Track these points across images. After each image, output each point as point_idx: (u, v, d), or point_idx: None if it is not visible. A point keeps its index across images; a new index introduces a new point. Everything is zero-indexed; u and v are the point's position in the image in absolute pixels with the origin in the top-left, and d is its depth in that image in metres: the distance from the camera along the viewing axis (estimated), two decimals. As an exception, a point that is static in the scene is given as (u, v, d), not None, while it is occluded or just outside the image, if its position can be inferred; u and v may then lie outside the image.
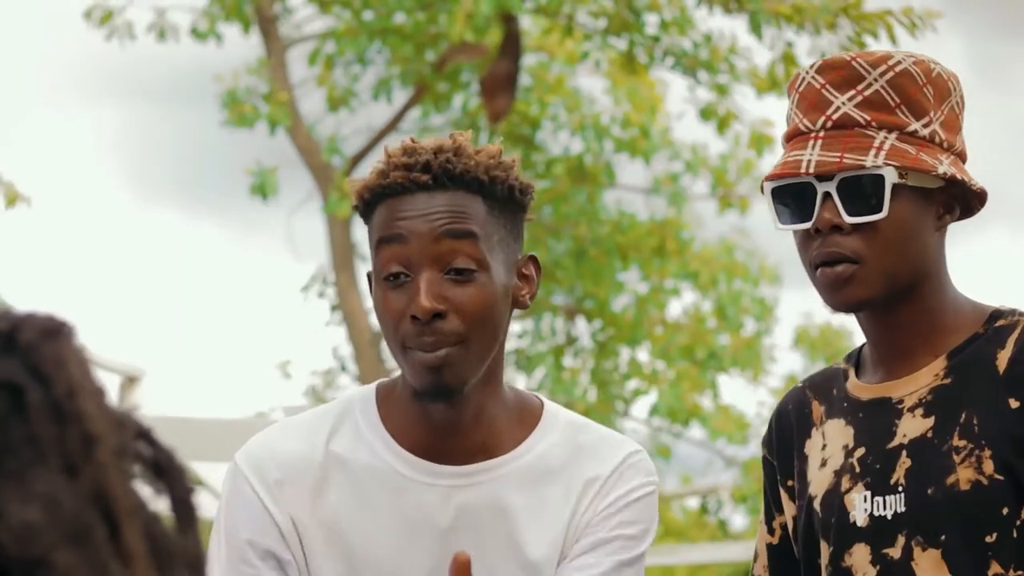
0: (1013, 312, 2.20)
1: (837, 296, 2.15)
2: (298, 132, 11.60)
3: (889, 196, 2.10)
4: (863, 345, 2.28)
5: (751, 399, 28.98)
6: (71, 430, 0.99)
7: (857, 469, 2.21)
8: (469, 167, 2.10)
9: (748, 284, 14.10)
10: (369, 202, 2.12)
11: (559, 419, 2.23)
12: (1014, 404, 2.10)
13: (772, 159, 14.38)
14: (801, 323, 17.06)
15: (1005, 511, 2.08)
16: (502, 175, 2.13)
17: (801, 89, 2.17)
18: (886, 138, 2.12)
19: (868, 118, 2.13)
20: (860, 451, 2.21)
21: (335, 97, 12.25)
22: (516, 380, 14.66)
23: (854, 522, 2.19)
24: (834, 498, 2.22)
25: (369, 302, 11.96)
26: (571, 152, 13.70)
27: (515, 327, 14.68)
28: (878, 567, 2.17)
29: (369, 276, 2.17)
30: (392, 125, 12.24)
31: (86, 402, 1.00)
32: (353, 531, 2.14)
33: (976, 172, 2.22)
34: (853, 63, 2.15)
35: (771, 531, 2.37)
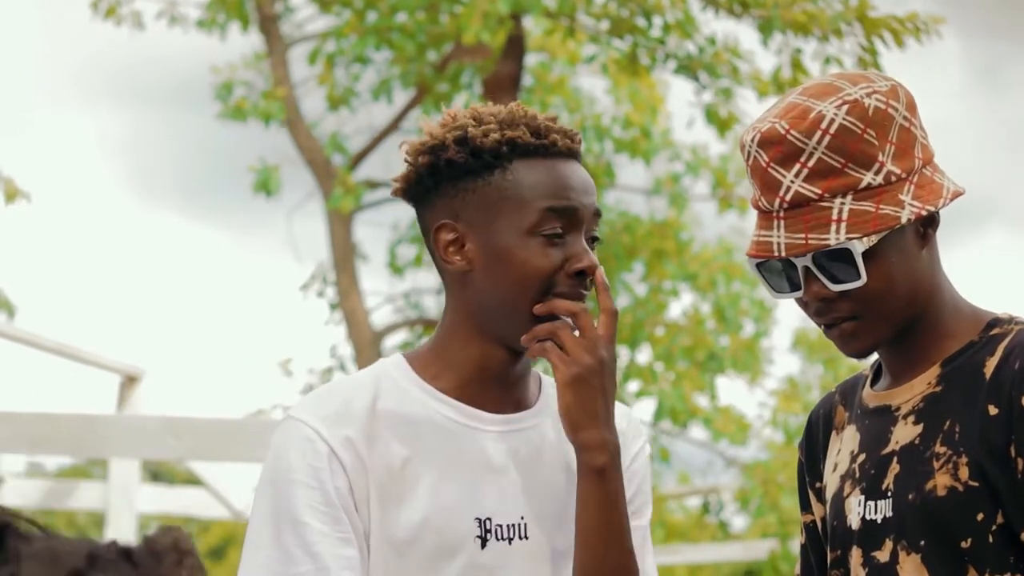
0: (1011, 320, 2.22)
1: (848, 350, 2.22)
2: (299, 131, 11.61)
3: (862, 263, 2.13)
4: None
5: (749, 401, 29.02)
6: None
7: (857, 474, 2.25)
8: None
9: (747, 286, 14.11)
10: (507, 155, 2.23)
11: (548, 380, 2.38)
12: (993, 411, 2.11)
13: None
14: (799, 325, 17.06)
15: (980, 517, 2.10)
16: None
17: (750, 163, 2.19)
18: (843, 204, 2.13)
19: (819, 191, 2.13)
20: (861, 457, 2.26)
21: (335, 96, 12.25)
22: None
23: (850, 525, 2.24)
24: (838, 502, 2.28)
25: (371, 301, 11.68)
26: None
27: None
28: (866, 570, 2.20)
29: (463, 224, 2.24)
30: (394, 125, 12.25)
31: None
32: (411, 478, 2.21)
33: (975, 174, 2.23)
34: (788, 137, 2.14)
35: (802, 531, 2.44)
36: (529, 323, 2.22)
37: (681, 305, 14.34)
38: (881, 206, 2.12)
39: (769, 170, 2.16)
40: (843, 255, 2.14)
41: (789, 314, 26.06)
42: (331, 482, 2.16)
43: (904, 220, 2.13)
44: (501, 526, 2.22)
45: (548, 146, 2.25)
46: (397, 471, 2.20)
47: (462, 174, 2.24)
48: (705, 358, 13.56)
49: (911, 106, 2.19)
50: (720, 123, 10.13)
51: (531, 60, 13.34)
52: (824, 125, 2.13)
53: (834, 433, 2.35)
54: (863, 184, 2.13)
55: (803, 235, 2.14)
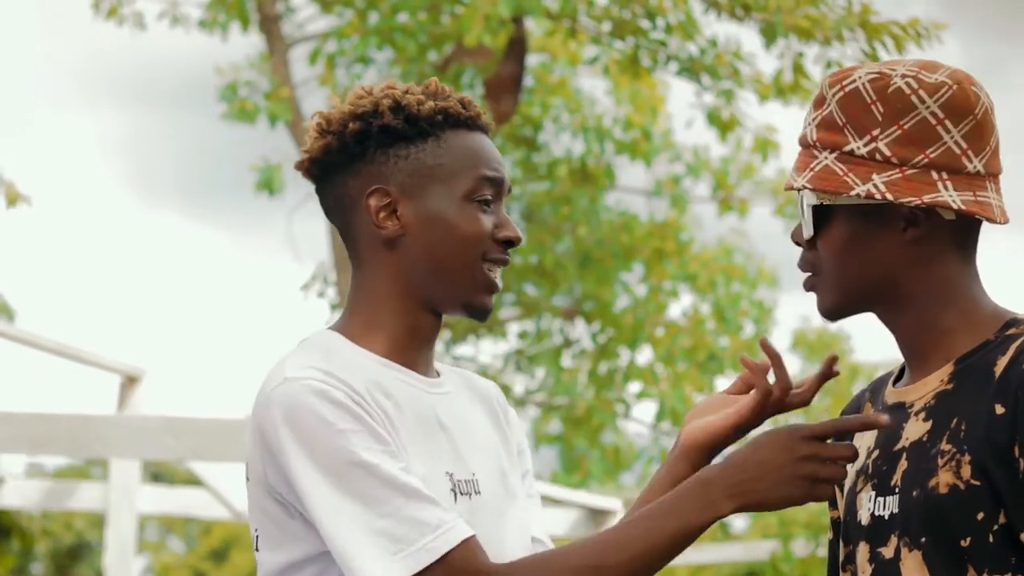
0: None
1: (817, 307, 2.30)
2: (300, 131, 11.62)
3: (810, 216, 2.23)
4: None
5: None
6: None
7: (870, 470, 2.27)
8: None
9: (746, 287, 14.12)
10: (441, 123, 2.31)
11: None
12: (1000, 410, 2.12)
13: (776, 164, 14.42)
14: (799, 326, 17.08)
15: (980, 516, 2.11)
16: None
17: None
18: (825, 159, 2.20)
19: (816, 138, 2.22)
20: (876, 452, 2.27)
21: (336, 97, 12.27)
22: (515, 381, 14.67)
23: (860, 521, 2.26)
24: (851, 497, 2.30)
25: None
26: (573, 154, 13.71)
27: (515, 327, 14.70)
28: (873, 566, 2.22)
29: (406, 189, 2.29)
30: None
31: None
32: (396, 434, 2.21)
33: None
34: (822, 85, 2.24)
35: (830, 527, 2.45)
36: (462, 286, 2.28)
37: (681, 306, 14.36)
38: (849, 174, 2.18)
39: (809, 108, 2.27)
40: (804, 206, 2.23)
41: (789, 315, 26.09)
42: (368, 418, 2.15)
43: (854, 193, 2.17)
44: (461, 481, 2.25)
45: (475, 118, 2.33)
46: (388, 427, 2.20)
47: (395, 140, 2.29)
48: (705, 359, 13.57)
49: (954, 110, 2.19)
50: (722, 125, 10.14)
51: (532, 61, 13.35)
52: (845, 83, 2.21)
53: None
54: (847, 148, 2.19)
55: (793, 172, 2.23)
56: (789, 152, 12.98)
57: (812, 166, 2.20)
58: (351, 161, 2.30)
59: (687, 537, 2.14)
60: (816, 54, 8.56)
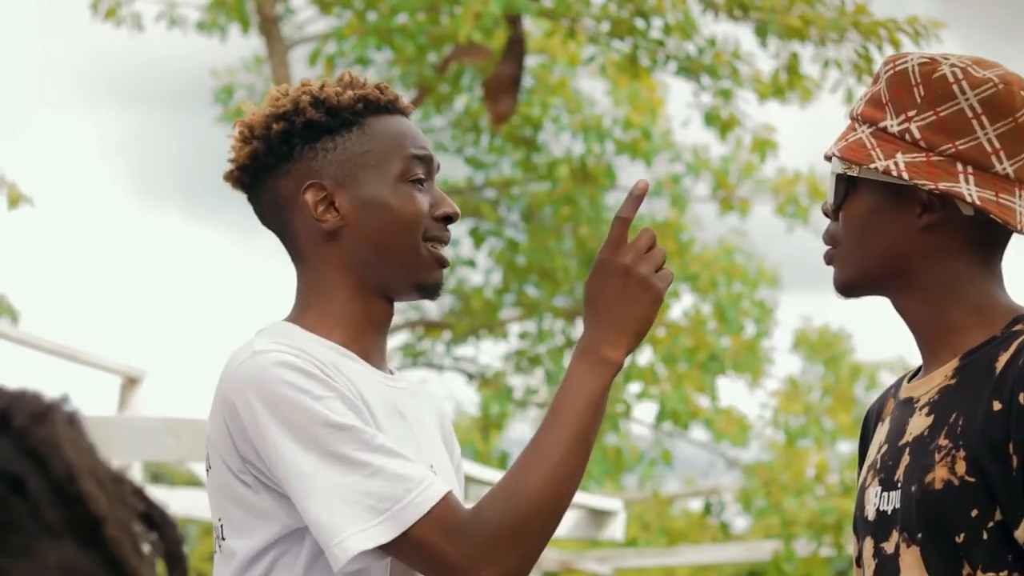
0: None
1: (833, 280, 2.31)
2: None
3: (834, 184, 2.25)
4: None
5: (750, 402, 28.95)
6: (77, 511, 1.02)
7: (878, 465, 2.27)
8: None
9: (747, 287, 14.11)
10: (362, 111, 2.32)
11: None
12: (997, 406, 2.11)
13: (775, 163, 14.42)
14: (800, 326, 17.07)
15: (974, 513, 2.10)
16: None
17: None
18: (861, 132, 2.23)
19: (860, 112, 2.25)
20: (884, 448, 2.28)
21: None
22: (515, 381, 14.68)
23: (867, 516, 2.27)
24: (861, 493, 2.31)
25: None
26: (573, 154, 13.71)
27: (515, 327, 14.70)
28: (876, 561, 2.22)
29: (340, 178, 2.30)
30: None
31: (86, 483, 1.03)
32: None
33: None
34: (881, 64, 2.28)
35: None
36: (410, 267, 2.28)
37: (682, 306, 14.35)
38: (876, 149, 2.20)
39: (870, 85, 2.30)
40: (834, 175, 2.25)
41: (790, 315, 26.04)
42: (338, 386, 2.16)
43: (873, 167, 2.18)
44: None
45: (393, 102, 2.34)
46: (360, 401, 2.20)
47: (320, 134, 2.30)
48: (706, 359, 13.56)
49: (994, 107, 2.18)
50: (721, 125, 10.13)
51: (531, 62, 13.35)
52: (898, 63, 2.23)
53: (880, 424, 2.37)
54: (882, 124, 2.21)
55: (833, 142, 2.26)
56: (788, 152, 12.99)
57: (848, 137, 2.23)
58: (280, 162, 2.30)
59: (602, 403, 2.21)
60: (812, 54, 8.56)
